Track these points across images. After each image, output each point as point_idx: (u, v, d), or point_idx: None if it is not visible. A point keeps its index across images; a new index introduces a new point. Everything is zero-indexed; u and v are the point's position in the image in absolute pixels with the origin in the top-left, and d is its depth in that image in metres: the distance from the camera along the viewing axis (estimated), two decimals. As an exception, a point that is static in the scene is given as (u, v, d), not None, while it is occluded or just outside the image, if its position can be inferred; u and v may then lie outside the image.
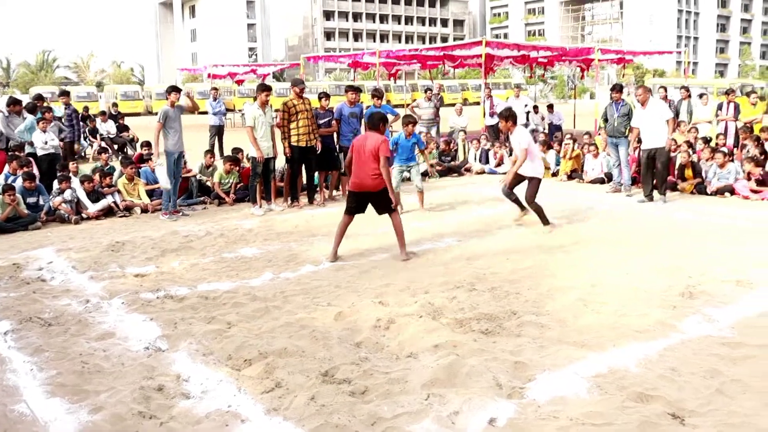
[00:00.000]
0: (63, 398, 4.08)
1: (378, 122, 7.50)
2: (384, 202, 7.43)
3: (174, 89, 10.38)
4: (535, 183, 8.78)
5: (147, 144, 13.72)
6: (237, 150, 12.63)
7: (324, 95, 11.79)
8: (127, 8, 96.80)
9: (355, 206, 7.55)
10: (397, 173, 10.04)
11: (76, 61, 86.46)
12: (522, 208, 9.15)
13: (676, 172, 12.03)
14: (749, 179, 11.35)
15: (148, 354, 4.77)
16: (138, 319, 5.53)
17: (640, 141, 11.10)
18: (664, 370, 4.29)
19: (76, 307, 5.90)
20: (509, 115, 8.83)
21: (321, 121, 11.28)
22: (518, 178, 8.94)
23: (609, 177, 12.79)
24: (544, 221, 8.81)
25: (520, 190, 8.97)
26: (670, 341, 4.82)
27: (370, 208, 7.58)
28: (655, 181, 11.03)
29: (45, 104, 13.99)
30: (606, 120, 12.30)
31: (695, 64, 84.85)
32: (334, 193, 12.02)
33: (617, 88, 12.15)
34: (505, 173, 14.63)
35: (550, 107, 20.76)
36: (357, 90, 11.91)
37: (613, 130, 11.88)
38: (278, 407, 3.90)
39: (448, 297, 5.87)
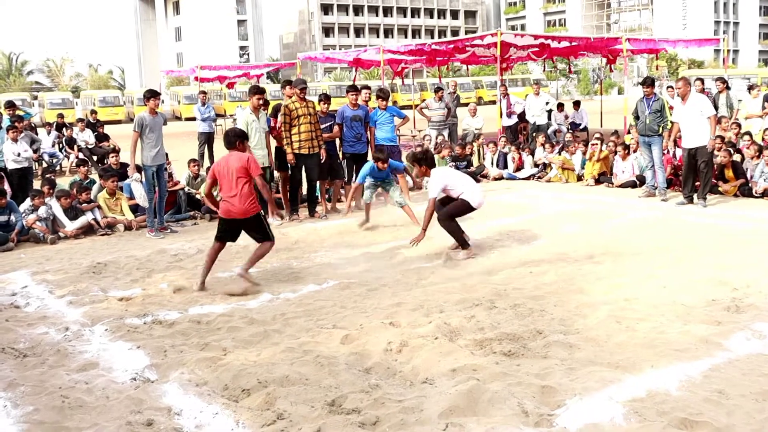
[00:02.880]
0: (42, 436, 4.08)
1: (234, 140, 7.39)
2: (257, 228, 7.37)
3: (153, 94, 10.32)
4: (460, 204, 8.43)
5: (114, 151, 13.77)
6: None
7: (324, 98, 11.83)
8: (103, 6, 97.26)
9: (224, 234, 7.47)
10: (370, 187, 10.11)
11: (49, 64, 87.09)
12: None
13: (716, 173, 12.01)
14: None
15: (135, 386, 4.78)
16: (123, 348, 5.53)
17: (676, 139, 11.12)
18: (710, 393, 4.27)
19: (54, 335, 5.91)
20: (421, 159, 8.65)
21: (322, 126, 11.32)
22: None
23: (641, 180, 12.78)
24: (462, 244, 8.41)
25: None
26: (715, 360, 4.80)
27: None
28: (697, 183, 11.03)
29: (17, 112, 14.10)
30: (637, 117, 12.28)
31: (735, 52, 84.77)
32: (337, 205, 12.04)
33: (648, 82, 12.14)
34: (526, 179, 14.73)
35: (576, 104, 20.79)
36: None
37: (645, 128, 11.85)
38: (280, 441, 3.90)
39: (465, 316, 5.86)
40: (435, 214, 8.39)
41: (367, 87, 13.21)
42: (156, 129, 10.21)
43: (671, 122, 11.33)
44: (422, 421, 4.05)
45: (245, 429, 4.08)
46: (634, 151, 13.30)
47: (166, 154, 10.68)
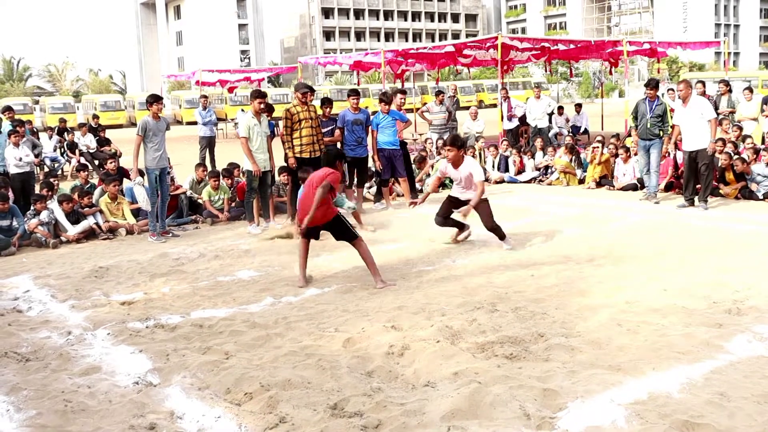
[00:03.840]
0: (45, 440, 4.09)
1: (333, 160, 7.65)
2: (340, 230, 7.57)
3: (156, 99, 10.39)
4: (485, 206, 8.75)
5: (112, 156, 13.84)
6: (234, 165, 12.70)
7: (326, 102, 11.85)
8: (104, 10, 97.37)
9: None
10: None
11: (50, 69, 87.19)
12: (461, 227, 9.13)
13: (717, 175, 12.01)
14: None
15: (137, 389, 4.79)
16: (126, 351, 5.55)
17: (677, 142, 11.13)
18: (712, 396, 4.28)
19: (56, 339, 5.93)
20: (462, 144, 8.85)
21: (324, 130, 11.34)
22: (454, 204, 8.93)
23: (643, 183, 12.78)
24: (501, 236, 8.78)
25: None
26: (717, 363, 4.80)
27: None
28: (697, 186, 11.04)
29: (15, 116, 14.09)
30: (635, 117, 12.22)
31: (736, 54, 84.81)
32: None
33: (653, 84, 12.07)
34: (527, 182, 14.73)
35: (578, 107, 20.81)
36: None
37: (646, 131, 11.81)
38: (283, 445, 3.91)
39: (467, 319, 5.88)
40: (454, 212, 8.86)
41: (403, 92, 13.20)
42: (159, 133, 10.25)
43: (673, 125, 11.33)
44: (424, 424, 4.05)
45: (248, 432, 4.09)
46: (635, 154, 13.30)
47: (168, 159, 10.69)
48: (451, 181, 9.15)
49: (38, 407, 4.53)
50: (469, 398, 4.27)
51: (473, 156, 15.59)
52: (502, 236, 8.72)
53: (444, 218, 9.00)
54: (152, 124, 10.19)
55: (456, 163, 8.69)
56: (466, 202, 8.65)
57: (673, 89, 18.50)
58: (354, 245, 7.47)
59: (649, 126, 11.71)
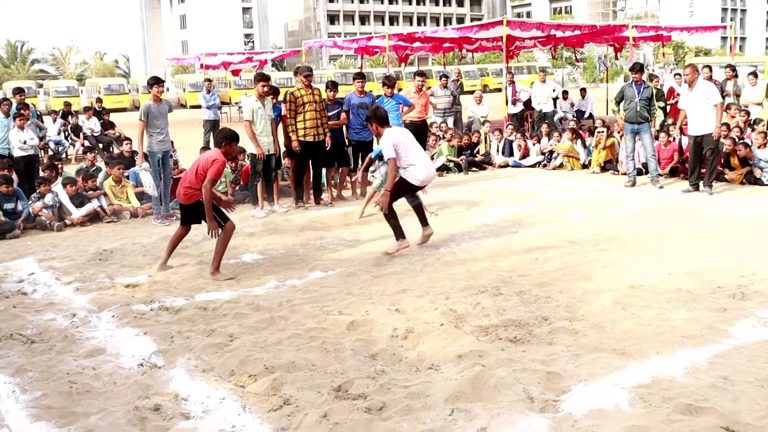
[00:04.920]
0: (50, 422, 4.11)
1: (220, 140, 7.42)
2: (194, 214, 7.48)
3: (157, 81, 10.37)
4: (399, 182, 7.92)
5: (127, 139, 13.84)
6: (239, 149, 12.65)
7: (332, 85, 11.82)
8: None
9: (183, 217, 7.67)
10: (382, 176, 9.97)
11: (54, 53, 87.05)
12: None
13: (722, 160, 11.98)
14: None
15: (142, 371, 4.81)
16: (130, 334, 5.57)
17: (682, 126, 11.11)
18: (716, 379, 4.28)
19: (61, 321, 5.95)
20: (371, 116, 8.03)
21: (329, 114, 11.31)
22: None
23: (647, 167, 12.75)
24: (397, 235, 7.95)
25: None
26: (720, 347, 4.81)
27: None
28: (702, 171, 11.02)
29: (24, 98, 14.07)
30: (619, 102, 12.18)
31: (743, 39, 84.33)
32: (343, 192, 12.05)
33: (637, 68, 12.10)
34: (531, 166, 14.70)
35: (583, 92, 20.74)
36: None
37: (636, 115, 11.75)
38: (287, 426, 3.93)
39: (471, 303, 5.88)
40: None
41: (422, 74, 13.53)
42: (161, 116, 10.24)
43: (659, 108, 11.30)
44: (428, 406, 4.06)
45: (252, 414, 4.10)
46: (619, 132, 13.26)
47: (172, 142, 10.67)
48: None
49: (43, 388, 4.55)
50: (472, 381, 4.28)
51: (477, 141, 15.57)
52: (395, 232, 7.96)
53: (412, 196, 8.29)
54: (154, 107, 10.18)
55: (377, 136, 8.06)
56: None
57: (679, 74, 18.42)
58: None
59: (638, 109, 11.68)
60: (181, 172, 11.77)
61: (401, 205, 8.19)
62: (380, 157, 9.70)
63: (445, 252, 7.92)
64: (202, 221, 7.41)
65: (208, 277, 7.19)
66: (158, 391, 4.47)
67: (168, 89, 49.85)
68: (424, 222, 8.22)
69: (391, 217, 7.88)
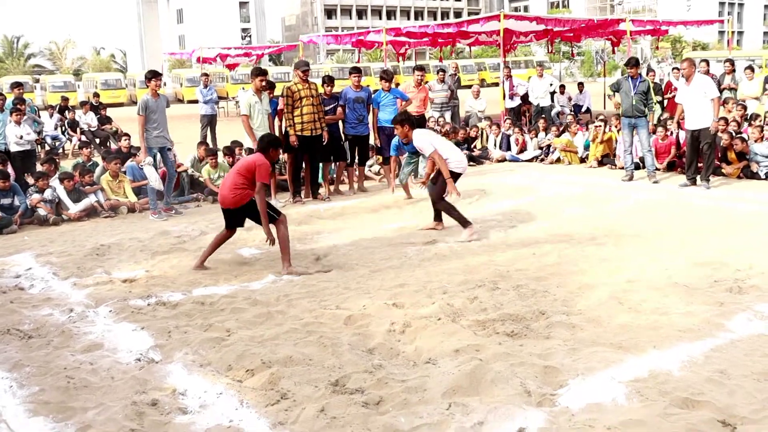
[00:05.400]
0: (47, 417, 4.11)
1: (266, 146, 7.29)
2: (240, 218, 7.37)
3: (154, 75, 10.34)
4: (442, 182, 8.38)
5: (126, 134, 13.83)
6: (236, 143, 12.67)
7: (328, 80, 11.81)
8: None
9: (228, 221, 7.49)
10: (407, 165, 9.97)
11: (51, 47, 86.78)
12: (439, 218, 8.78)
13: (719, 155, 11.98)
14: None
15: (139, 366, 4.81)
16: (128, 329, 5.56)
17: (679, 121, 11.12)
18: (712, 373, 4.29)
19: (58, 317, 5.94)
20: (404, 119, 8.62)
21: (326, 108, 11.30)
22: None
23: (644, 162, 12.76)
24: (463, 223, 8.30)
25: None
26: (717, 341, 4.82)
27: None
28: (700, 165, 11.03)
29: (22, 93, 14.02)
30: (617, 90, 12.16)
31: (740, 33, 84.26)
32: (340, 186, 12.04)
33: (633, 63, 12.11)
34: (529, 161, 14.70)
35: (581, 86, 20.73)
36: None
37: (632, 108, 11.75)
38: (285, 421, 3.93)
39: (468, 297, 5.89)
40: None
41: (421, 68, 13.59)
42: (159, 111, 10.22)
43: (656, 102, 11.30)
44: (425, 400, 4.07)
45: (249, 408, 4.10)
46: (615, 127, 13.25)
47: (169, 137, 10.65)
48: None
49: (41, 383, 4.55)
50: (470, 375, 4.28)
51: (476, 135, 15.56)
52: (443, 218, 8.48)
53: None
54: (152, 102, 10.16)
55: (407, 139, 8.59)
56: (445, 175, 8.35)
57: (677, 68, 18.42)
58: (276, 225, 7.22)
59: (634, 103, 11.69)
60: (178, 167, 11.76)
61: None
62: (398, 150, 9.85)
63: (442, 247, 7.92)
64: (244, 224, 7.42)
65: (205, 272, 7.18)
66: (156, 385, 4.47)
67: (165, 84, 49.79)
68: (438, 217, 8.68)
69: (451, 209, 8.32)
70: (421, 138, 8.43)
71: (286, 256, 7.13)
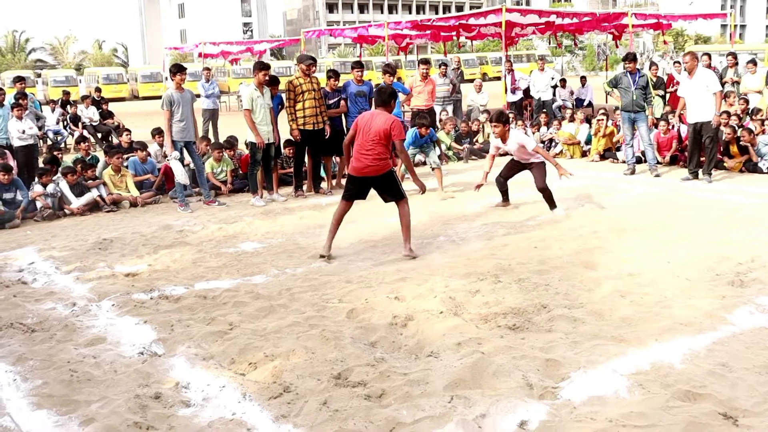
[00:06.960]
0: (50, 410, 4.13)
1: (388, 98, 7.37)
2: (389, 187, 7.36)
3: (179, 69, 10.40)
4: (542, 168, 9.08)
5: (127, 130, 13.85)
6: (233, 138, 12.69)
7: (333, 74, 11.80)
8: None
9: (354, 192, 7.47)
10: (410, 155, 10.07)
11: (52, 42, 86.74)
12: (506, 199, 9.65)
13: (721, 148, 11.97)
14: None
15: (142, 360, 4.82)
16: (131, 322, 5.58)
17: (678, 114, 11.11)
18: (714, 366, 4.29)
19: (61, 310, 5.96)
20: (506, 120, 9.22)
21: (330, 102, 11.30)
22: (517, 167, 9.36)
23: (645, 156, 12.74)
24: (552, 205, 9.07)
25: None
26: (719, 334, 4.82)
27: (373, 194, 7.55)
28: (702, 159, 11.02)
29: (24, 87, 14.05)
30: (614, 86, 12.15)
31: (743, 27, 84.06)
32: (342, 180, 12.03)
33: (631, 57, 12.13)
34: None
35: (583, 80, 20.71)
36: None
37: (632, 103, 11.75)
38: (287, 414, 3.94)
39: (470, 290, 5.89)
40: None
41: (426, 61, 13.73)
42: (184, 104, 10.26)
43: (655, 96, 11.28)
44: (427, 393, 4.08)
45: (252, 402, 4.12)
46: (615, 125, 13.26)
47: (196, 131, 10.67)
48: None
49: (44, 377, 4.56)
50: (472, 368, 4.29)
51: (477, 129, 15.55)
52: (551, 203, 9.06)
53: (505, 179, 9.46)
54: (176, 96, 10.22)
55: (504, 137, 9.10)
56: (526, 165, 9.20)
57: (679, 62, 18.38)
58: (398, 205, 7.37)
59: (635, 98, 11.69)
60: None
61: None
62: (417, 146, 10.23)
63: (444, 240, 7.92)
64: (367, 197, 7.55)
65: (207, 266, 7.19)
66: (159, 379, 4.49)
67: (167, 79, 49.70)
68: (551, 205, 9.12)
69: (551, 193, 9.09)
70: (521, 136, 9.18)
71: (407, 236, 7.29)
